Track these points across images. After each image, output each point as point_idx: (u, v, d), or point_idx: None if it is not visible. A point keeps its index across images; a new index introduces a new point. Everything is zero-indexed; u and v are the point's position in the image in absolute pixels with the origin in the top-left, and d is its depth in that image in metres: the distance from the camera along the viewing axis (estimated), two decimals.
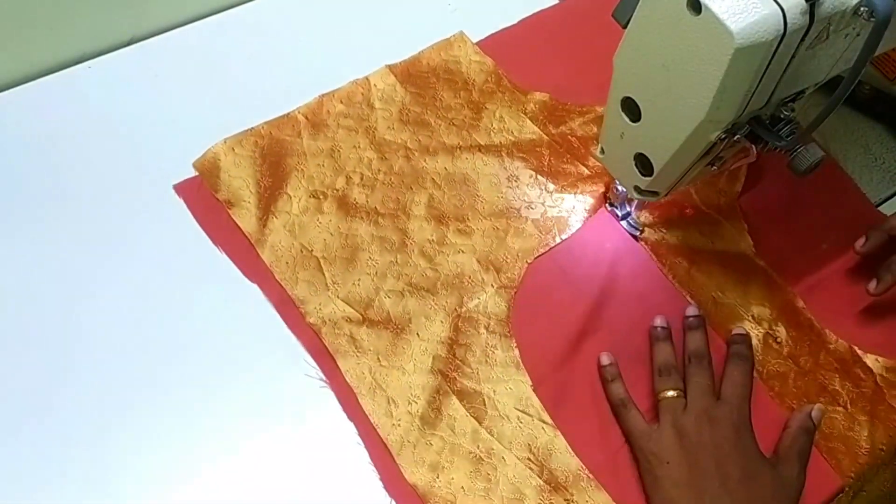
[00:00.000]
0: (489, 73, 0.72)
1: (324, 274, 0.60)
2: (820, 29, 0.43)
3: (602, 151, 0.58)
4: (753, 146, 0.51)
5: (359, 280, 0.60)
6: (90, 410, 0.53)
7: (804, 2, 0.41)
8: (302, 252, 0.61)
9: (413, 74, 0.71)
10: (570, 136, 0.69)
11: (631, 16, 0.46)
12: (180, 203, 0.62)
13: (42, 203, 0.61)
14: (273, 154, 0.65)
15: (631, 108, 0.51)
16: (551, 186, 0.66)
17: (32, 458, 0.51)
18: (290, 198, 0.63)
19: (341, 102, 0.69)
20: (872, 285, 0.60)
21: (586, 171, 0.67)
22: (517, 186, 0.66)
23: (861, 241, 0.62)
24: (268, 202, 0.63)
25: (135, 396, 0.54)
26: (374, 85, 0.70)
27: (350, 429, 0.54)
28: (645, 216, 0.65)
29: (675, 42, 0.44)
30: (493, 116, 0.70)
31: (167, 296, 0.58)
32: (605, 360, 0.57)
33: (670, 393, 0.54)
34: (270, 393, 0.55)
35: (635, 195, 0.57)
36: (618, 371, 0.57)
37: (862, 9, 0.42)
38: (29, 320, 0.56)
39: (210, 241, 0.61)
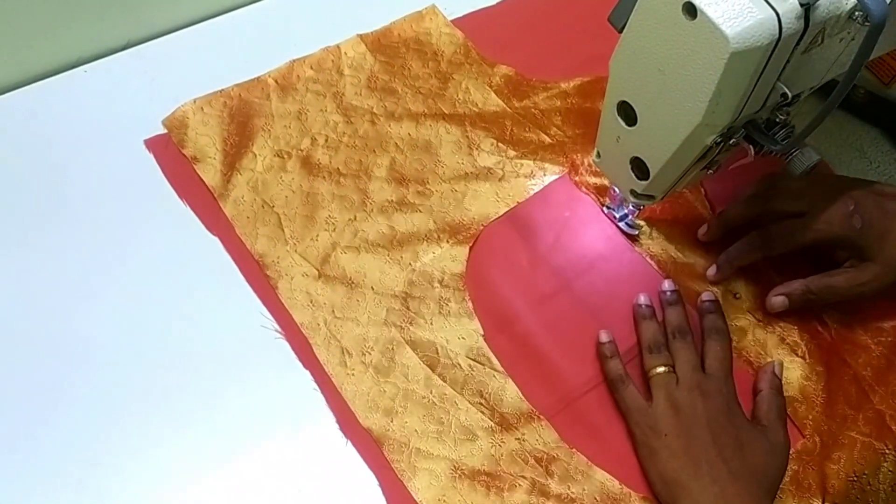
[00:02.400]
0: (458, 46, 0.74)
1: (283, 229, 0.62)
2: (815, 33, 0.43)
3: (598, 156, 0.58)
4: (751, 146, 0.51)
5: (317, 236, 0.61)
6: (82, 406, 0.53)
7: (799, 6, 0.41)
8: (263, 207, 0.62)
9: (384, 44, 0.73)
10: (532, 109, 0.71)
11: (627, 20, 0.47)
12: (181, 204, 0.62)
13: (38, 208, 0.61)
14: (241, 114, 0.67)
15: (627, 113, 0.51)
16: (512, 153, 0.67)
17: (24, 465, 0.51)
18: (255, 156, 0.65)
19: (311, 68, 0.71)
20: (711, 271, 0.62)
21: (548, 140, 0.69)
22: (478, 154, 0.67)
23: (703, 229, 0.63)
24: (233, 159, 0.65)
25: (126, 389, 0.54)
26: (345, 53, 0.72)
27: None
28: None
29: (671, 46, 0.44)
30: (459, 87, 0.71)
31: (168, 294, 0.58)
32: (604, 337, 0.58)
33: (661, 369, 0.55)
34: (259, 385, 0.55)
35: (631, 199, 0.58)
36: (615, 348, 0.58)
37: (857, 13, 0.42)
38: (25, 324, 0.56)
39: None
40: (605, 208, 0.65)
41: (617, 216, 0.64)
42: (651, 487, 0.53)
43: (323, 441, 0.53)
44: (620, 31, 0.48)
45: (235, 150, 0.65)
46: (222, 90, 0.68)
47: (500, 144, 0.68)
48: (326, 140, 0.67)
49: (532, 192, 0.65)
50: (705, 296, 0.60)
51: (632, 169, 0.54)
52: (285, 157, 0.65)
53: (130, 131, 0.65)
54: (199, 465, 0.52)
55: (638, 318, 0.59)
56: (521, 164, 0.66)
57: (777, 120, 0.50)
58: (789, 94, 0.46)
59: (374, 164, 0.66)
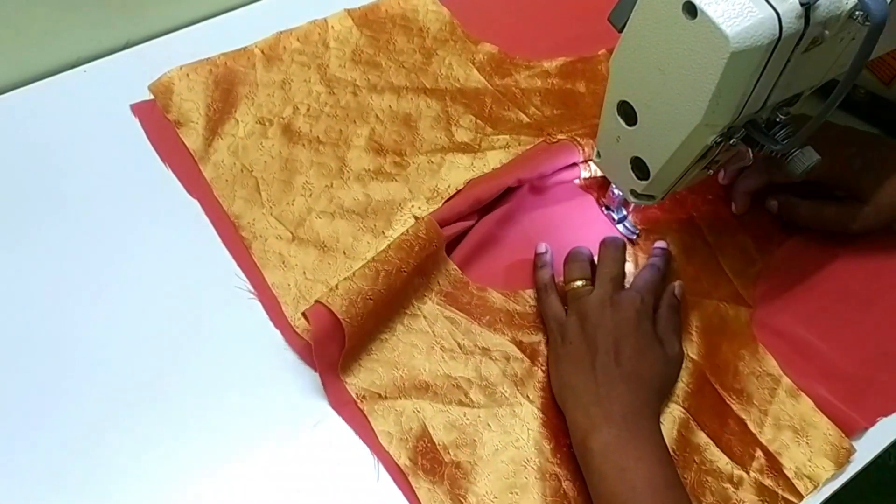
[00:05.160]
0: (444, 23, 0.75)
1: (260, 193, 0.63)
2: (815, 33, 0.43)
3: (598, 155, 0.58)
4: (749, 149, 0.51)
5: (293, 200, 0.63)
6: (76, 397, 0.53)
7: (799, 6, 0.41)
8: (242, 172, 0.64)
9: (371, 20, 0.75)
10: (513, 88, 0.72)
11: (627, 20, 0.47)
12: (183, 206, 0.62)
13: (37, 207, 0.61)
14: (226, 82, 0.68)
15: (627, 112, 0.51)
16: (489, 130, 0.69)
17: (22, 465, 0.51)
18: (238, 122, 0.66)
19: (298, 40, 0.72)
20: (734, 208, 0.65)
21: (526, 119, 0.70)
22: (456, 129, 0.68)
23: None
24: (215, 125, 0.66)
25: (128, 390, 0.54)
26: (332, 26, 0.73)
27: (345, 438, 0.54)
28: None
29: (671, 46, 0.44)
30: (443, 63, 0.73)
31: (170, 298, 0.58)
32: (541, 248, 0.61)
33: (577, 283, 0.58)
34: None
35: (632, 199, 0.58)
36: (548, 260, 0.60)
37: (857, 13, 0.42)
38: (25, 326, 0.56)
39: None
40: (603, 209, 0.65)
41: (616, 218, 0.64)
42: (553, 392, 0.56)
43: (322, 441, 0.53)
44: (620, 31, 0.48)
45: (218, 116, 0.66)
46: (209, 58, 0.69)
47: (478, 121, 0.69)
48: (308, 109, 0.68)
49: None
50: (658, 243, 0.62)
51: (632, 169, 0.54)
52: (267, 124, 0.66)
53: (130, 131, 0.65)
54: (199, 466, 0.52)
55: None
56: (498, 140, 0.68)
57: (777, 120, 0.50)
58: (790, 94, 0.46)
59: (353, 134, 0.67)
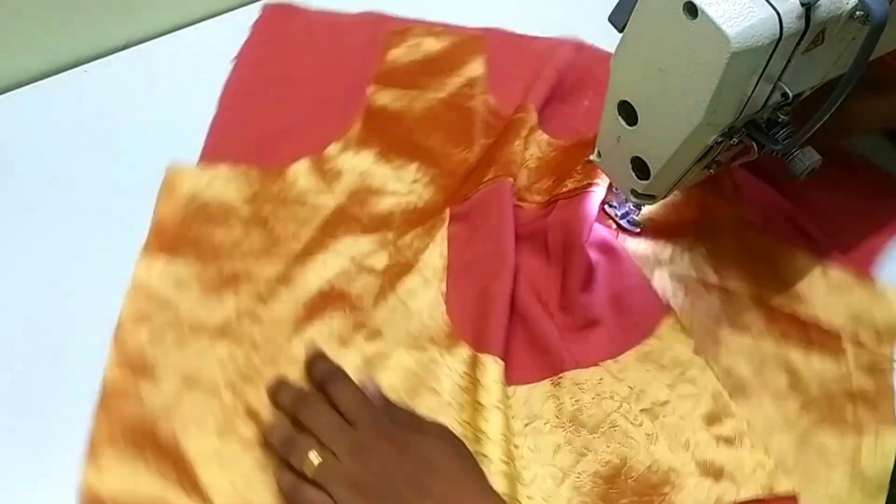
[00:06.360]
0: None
1: None
2: (816, 33, 0.43)
3: (598, 155, 0.58)
4: (754, 143, 0.51)
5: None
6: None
7: (800, 6, 0.41)
8: None
9: None
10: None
11: (627, 20, 0.47)
12: None
13: (38, 208, 0.61)
14: None
15: (627, 112, 0.51)
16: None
17: (20, 464, 0.50)
18: None
19: None
20: None
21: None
22: None
23: None
24: None
25: None
26: None
27: None
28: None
29: (672, 46, 0.44)
30: None
31: None
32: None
33: (312, 456, 0.45)
34: None
35: (632, 199, 0.57)
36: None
37: (857, 13, 0.42)
38: (24, 323, 0.55)
39: None
40: (606, 206, 0.65)
41: (619, 213, 0.64)
42: None
43: None
44: (621, 31, 0.48)
45: None
46: None
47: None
48: None
49: None
50: (309, 352, 0.52)
51: (632, 169, 0.54)
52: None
53: (130, 131, 0.65)
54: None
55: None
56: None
57: (778, 120, 0.50)
58: (790, 94, 0.46)
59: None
